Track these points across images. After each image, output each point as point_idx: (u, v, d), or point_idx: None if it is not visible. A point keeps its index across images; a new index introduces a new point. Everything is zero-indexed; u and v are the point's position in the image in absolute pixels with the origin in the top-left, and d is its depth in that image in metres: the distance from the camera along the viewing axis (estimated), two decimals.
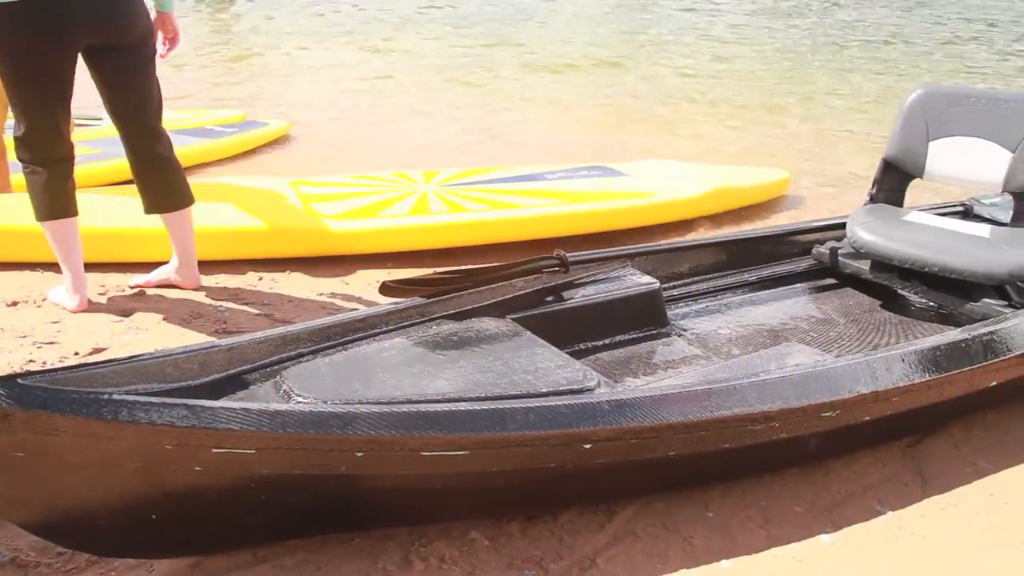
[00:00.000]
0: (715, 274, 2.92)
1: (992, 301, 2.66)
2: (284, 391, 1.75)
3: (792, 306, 2.85)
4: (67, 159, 2.69)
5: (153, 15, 2.79)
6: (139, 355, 1.82)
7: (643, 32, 10.26)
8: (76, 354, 2.56)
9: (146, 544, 1.66)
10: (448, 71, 7.51)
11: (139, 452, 1.45)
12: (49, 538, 1.61)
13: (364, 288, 3.16)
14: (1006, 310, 2.57)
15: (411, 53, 8.23)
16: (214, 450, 1.47)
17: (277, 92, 6.74)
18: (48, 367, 2.37)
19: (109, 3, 2.56)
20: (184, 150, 4.31)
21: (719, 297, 2.86)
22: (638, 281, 2.53)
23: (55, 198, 2.68)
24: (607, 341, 2.45)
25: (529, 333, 2.11)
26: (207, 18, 10.50)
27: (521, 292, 2.34)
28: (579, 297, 2.42)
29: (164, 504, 1.58)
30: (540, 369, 1.92)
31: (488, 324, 2.14)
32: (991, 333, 2.25)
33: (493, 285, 2.32)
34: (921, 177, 3.04)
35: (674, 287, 2.80)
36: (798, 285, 3.00)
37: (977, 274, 2.60)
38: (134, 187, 2.91)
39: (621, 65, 8.15)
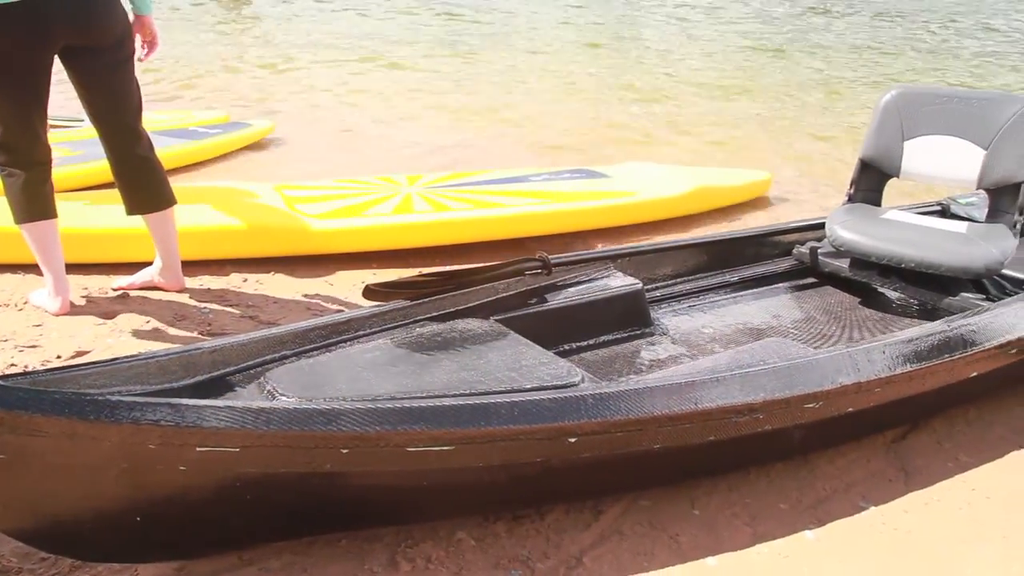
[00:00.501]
0: (697, 275, 2.94)
1: (970, 295, 2.69)
2: (268, 391, 1.75)
3: (774, 305, 2.87)
4: (44, 162, 2.67)
5: (131, 18, 2.78)
6: (122, 357, 1.81)
7: (622, 35, 10.31)
8: (58, 357, 2.54)
9: (131, 548, 1.64)
10: (433, 80, 7.51)
11: (122, 452, 1.44)
12: (32, 543, 1.59)
13: (348, 289, 3.16)
14: (983, 303, 2.60)
15: (399, 62, 8.22)
16: (198, 449, 1.46)
17: (262, 93, 6.72)
18: (30, 370, 2.35)
19: (88, 3, 2.55)
20: (167, 151, 4.30)
21: (701, 297, 2.88)
22: (621, 282, 2.55)
23: (33, 200, 2.66)
24: (591, 341, 2.46)
25: (513, 333, 2.11)
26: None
27: (504, 294, 2.34)
28: (562, 298, 2.43)
29: (149, 506, 1.56)
30: (524, 366, 1.92)
31: (472, 325, 2.14)
32: (969, 324, 2.28)
33: (476, 287, 2.33)
34: (898, 176, 3.07)
35: (657, 288, 2.82)
36: (779, 285, 3.03)
37: (955, 268, 2.64)
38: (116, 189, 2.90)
39: (604, 70, 8.18)
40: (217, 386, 1.85)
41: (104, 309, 2.88)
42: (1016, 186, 2.87)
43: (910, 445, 2.31)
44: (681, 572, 1.80)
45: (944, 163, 2.98)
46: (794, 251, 3.10)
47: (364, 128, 5.81)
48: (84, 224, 3.19)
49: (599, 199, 3.81)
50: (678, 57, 8.94)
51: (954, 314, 2.44)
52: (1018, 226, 2.86)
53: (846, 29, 11.12)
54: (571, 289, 2.47)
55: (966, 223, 2.95)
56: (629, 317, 2.54)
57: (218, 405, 1.47)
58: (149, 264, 3.06)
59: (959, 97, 3.01)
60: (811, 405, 1.99)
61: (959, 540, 1.95)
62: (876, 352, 2.10)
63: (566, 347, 2.39)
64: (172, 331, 2.75)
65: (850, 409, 2.08)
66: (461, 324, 2.14)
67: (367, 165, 4.79)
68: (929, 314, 2.76)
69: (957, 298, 2.69)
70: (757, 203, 4.44)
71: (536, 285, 2.42)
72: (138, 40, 2.85)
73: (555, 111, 6.47)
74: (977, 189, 3.01)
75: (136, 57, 2.83)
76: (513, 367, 1.92)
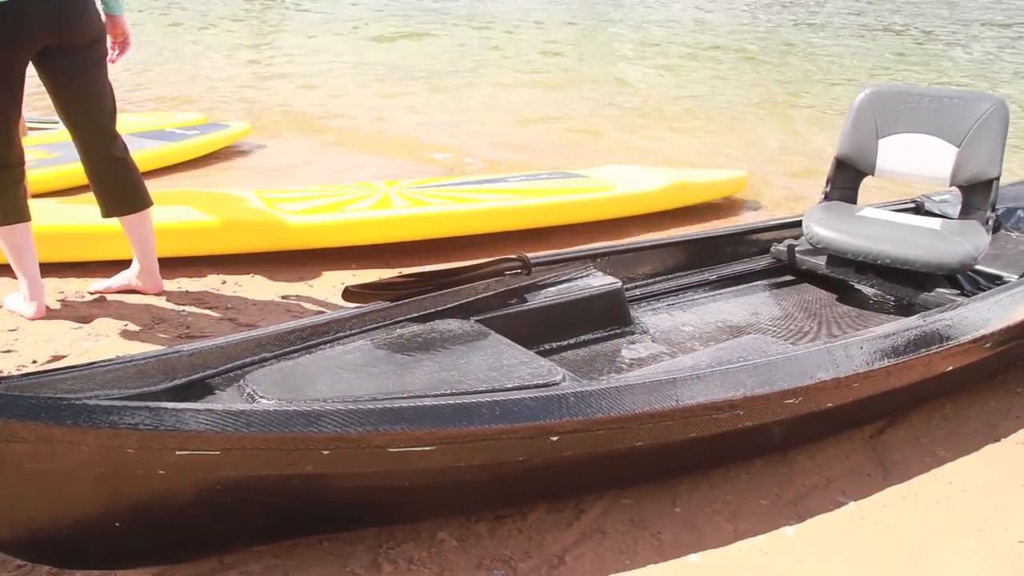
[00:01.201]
0: (676, 273, 2.96)
1: (945, 290, 2.73)
2: (248, 394, 1.74)
3: (752, 303, 2.89)
4: (18, 164, 2.64)
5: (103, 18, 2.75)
6: (99, 361, 1.79)
7: (601, 36, 10.34)
8: (34, 362, 2.51)
9: (109, 554, 1.63)
10: (408, 85, 7.51)
11: (100, 457, 1.43)
12: (7, 551, 1.57)
13: (328, 290, 3.14)
14: (958, 298, 2.63)
15: (377, 68, 8.21)
16: (178, 452, 1.45)
17: (238, 94, 6.68)
18: (5, 375, 2.32)
19: (68, 3, 2.52)
20: (143, 153, 4.26)
21: (681, 296, 2.89)
22: (600, 281, 2.55)
23: (6, 203, 2.63)
24: (571, 341, 2.47)
25: (494, 333, 2.12)
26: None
27: (485, 294, 2.34)
28: (542, 298, 2.43)
29: (127, 511, 1.55)
30: (505, 366, 1.92)
31: (452, 325, 2.14)
32: (945, 319, 2.31)
33: (456, 288, 2.33)
34: (873, 174, 3.10)
35: (636, 287, 2.83)
36: (758, 283, 3.05)
37: (929, 264, 2.67)
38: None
39: (580, 74, 8.20)
40: (196, 389, 1.84)
41: (81, 313, 2.85)
42: (988, 183, 2.91)
43: (888, 440, 2.33)
44: (663, 570, 1.81)
45: (918, 161, 3.01)
46: (772, 249, 3.12)
47: (345, 136, 5.79)
48: (62, 222, 3.15)
49: (577, 194, 3.83)
50: (652, 58, 8.98)
51: (929, 309, 2.47)
52: (990, 222, 2.89)
53: (818, 32, 11.21)
54: (551, 289, 2.48)
55: (940, 220, 2.99)
56: (609, 316, 2.54)
57: (197, 408, 1.46)
58: (127, 263, 3.03)
59: (931, 95, 3.04)
60: (790, 401, 2.00)
61: (937, 533, 1.97)
62: (854, 348, 2.12)
63: (547, 347, 2.39)
64: (150, 334, 2.72)
65: (829, 405, 2.10)
66: (441, 325, 2.14)
67: (346, 172, 4.78)
68: (905, 310, 2.79)
69: (932, 294, 2.72)
70: (734, 202, 4.47)
71: (516, 285, 2.42)
72: (109, 41, 2.83)
73: (536, 113, 6.49)
74: (950, 186, 3.05)
75: (109, 59, 2.81)
76: (494, 367, 1.92)
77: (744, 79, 7.99)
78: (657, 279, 2.91)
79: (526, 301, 2.40)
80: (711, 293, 2.94)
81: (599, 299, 2.51)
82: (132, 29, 2.89)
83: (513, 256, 2.46)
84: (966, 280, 2.83)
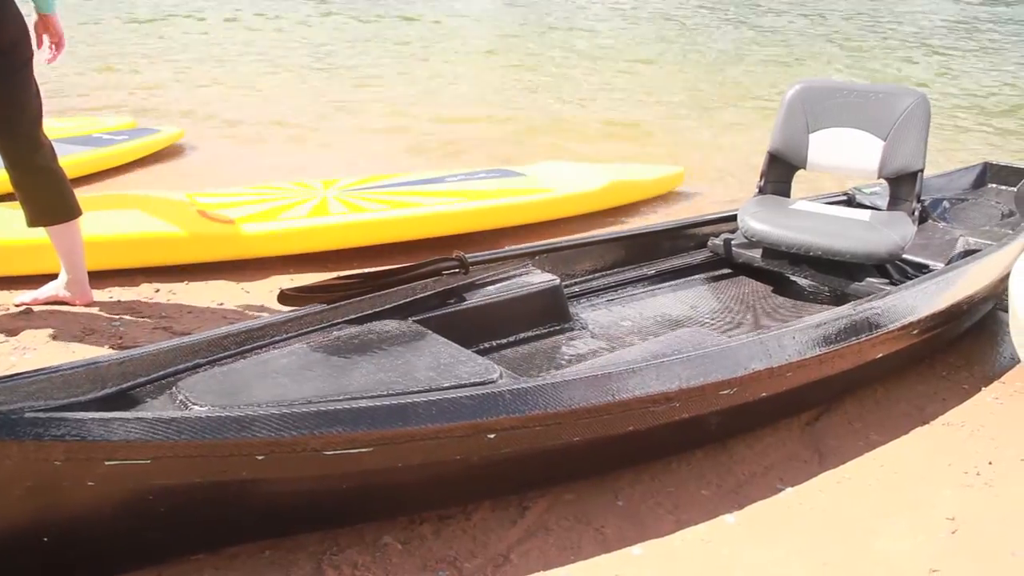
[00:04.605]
0: (615, 269, 2.98)
1: (874, 280, 2.80)
2: (180, 401, 1.70)
3: (690, 296, 2.93)
4: None
5: (34, 17, 2.67)
6: (23, 372, 1.74)
7: (538, 31, 10.39)
8: None
9: (38, 571, 1.58)
10: (344, 81, 7.44)
11: (25, 471, 1.39)
12: None
13: (265, 296, 3.09)
14: (887, 287, 2.70)
15: (309, 64, 8.12)
16: (107, 463, 1.42)
17: (168, 97, 6.54)
18: None
19: None
20: (70, 159, 4.13)
21: (620, 291, 2.92)
22: (539, 279, 2.56)
23: None
24: (511, 339, 2.47)
25: (431, 333, 2.11)
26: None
27: (422, 294, 2.34)
28: (481, 296, 2.43)
29: (56, 525, 1.51)
30: (442, 365, 1.92)
31: (390, 326, 2.13)
32: (874, 308, 2.37)
33: (393, 288, 2.31)
34: (805, 168, 3.18)
35: (575, 283, 2.84)
36: (695, 276, 3.09)
37: (859, 255, 2.74)
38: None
39: (523, 69, 8.22)
40: (127, 398, 1.80)
41: (6, 326, 2.75)
42: (913, 175, 3.00)
43: (823, 427, 2.39)
44: (607, 563, 1.82)
45: (847, 154, 3.10)
46: (709, 243, 3.16)
47: (279, 134, 5.72)
48: None
49: (516, 196, 3.83)
50: (592, 53, 9.05)
51: (860, 298, 2.53)
52: (916, 213, 2.99)
53: (751, 26, 11.42)
54: (489, 287, 2.48)
55: (869, 211, 3.07)
56: (548, 313, 2.56)
57: (126, 417, 1.43)
58: (54, 277, 2.94)
59: (858, 91, 3.12)
60: (726, 392, 2.03)
61: (870, 515, 2.02)
62: (787, 338, 2.17)
63: (486, 345, 2.39)
64: (81, 346, 2.65)
65: (764, 394, 2.14)
66: (379, 326, 2.12)
67: (281, 169, 4.71)
68: (838, 299, 2.86)
69: (863, 283, 2.79)
70: (671, 197, 4.52)
71: (454, 284, 2.41)
72: (46, 40, 2.75)
73: (474, 109, 6.48)
74: (878, 178, 3.13)
75: (44, 59, 2.72)
76: (431, 367, 1.91)
77: (679, 72, 8.09)
78: (596, 275, 2.93)
79: (464, 300, 2.40)
80: (650, 288, 2.97)
81: (538, 296, 2.52)
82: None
83: (451, 256, 2.45)
84: (895, 269, 2.91)
